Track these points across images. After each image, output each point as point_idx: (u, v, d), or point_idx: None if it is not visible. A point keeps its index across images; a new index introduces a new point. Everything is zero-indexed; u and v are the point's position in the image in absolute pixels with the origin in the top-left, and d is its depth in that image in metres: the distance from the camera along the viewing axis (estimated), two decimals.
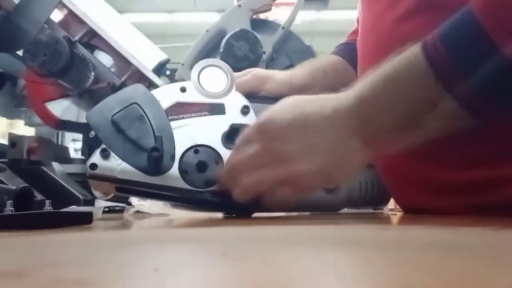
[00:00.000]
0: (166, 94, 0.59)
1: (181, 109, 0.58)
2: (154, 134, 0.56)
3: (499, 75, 0.44)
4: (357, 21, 0.84)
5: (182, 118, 0.58)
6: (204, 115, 0.59)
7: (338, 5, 6.20)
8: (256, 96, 0.65)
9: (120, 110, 0.57)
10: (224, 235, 0.38)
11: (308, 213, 0.68)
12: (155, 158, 0.54)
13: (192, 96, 0.60)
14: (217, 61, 0.63)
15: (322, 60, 0.80)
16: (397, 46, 0.48)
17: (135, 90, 0.59)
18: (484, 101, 0.45)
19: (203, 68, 0.61)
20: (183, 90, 0.60)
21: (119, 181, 0.55)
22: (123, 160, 0.55)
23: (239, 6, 1.00)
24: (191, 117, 0.58)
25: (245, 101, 0.61)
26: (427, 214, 0.58)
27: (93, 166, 0.54)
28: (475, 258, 0.22)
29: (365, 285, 0.17)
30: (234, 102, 0.60)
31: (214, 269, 0.20)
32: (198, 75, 0.61)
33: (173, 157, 0.55)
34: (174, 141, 0.56)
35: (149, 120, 0.57)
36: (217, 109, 0.59)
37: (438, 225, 0.44)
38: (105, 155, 0.55)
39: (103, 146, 0.55)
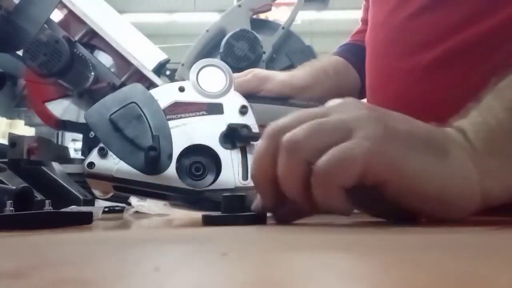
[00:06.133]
0: (165, 94, 0.59)
1: (179, 109, 0.58)
2: (151, 133, 0.56)
3: None
4: (361, 21, 0.84)
5: (180, 117, 0.58)
6: (202, 114, 0.59)
7: (338, 5, 6.19)
8: (256, 97, 0.65)
9: (118, 109, 0.57)
10: (224, 235, 0.38)
11: None
12: (152, 157, 0.54)
13: (191, 95, 0.60)
14: (215, 60, 0.63)
15: (323, 61, 0.80)
16: (409, 43, 0.47)
17: (133, 90, 0.59)
18: None
19: (201, 68, 0.61)
20: (181, 89, 0.60)
21: (116, 180, 0.55)
22: (121, 159, 0.55)
23: (239, 6, 1.00)
24: (189, 116, 0.58)
25: (243, 101, 0.60)
26: None
27: (91, 164, 0.55)
28: (475, 258, 0.22)
29: (365, 285, 0.17)
30: (233, 102, 0.60)
31: (214, 269, 0.20)
32: (197, 74, 0.61)
33: (170, 156, 0.55)
34: (171, 141, 0.56)
35: (147, 120, 0.57)
36: (215, 109, 0.59)
37: (438, 225, 0.44)
38: (102, 154, 0.55)
39: (101, 145, 0.55)
